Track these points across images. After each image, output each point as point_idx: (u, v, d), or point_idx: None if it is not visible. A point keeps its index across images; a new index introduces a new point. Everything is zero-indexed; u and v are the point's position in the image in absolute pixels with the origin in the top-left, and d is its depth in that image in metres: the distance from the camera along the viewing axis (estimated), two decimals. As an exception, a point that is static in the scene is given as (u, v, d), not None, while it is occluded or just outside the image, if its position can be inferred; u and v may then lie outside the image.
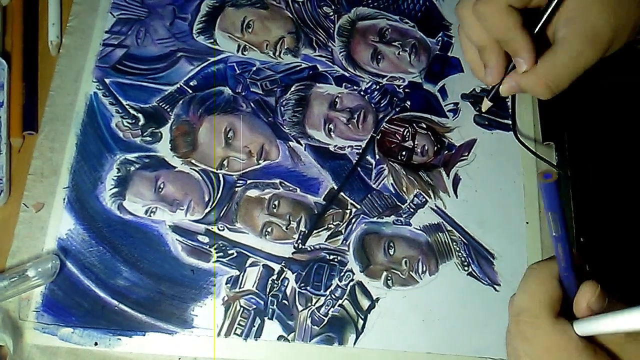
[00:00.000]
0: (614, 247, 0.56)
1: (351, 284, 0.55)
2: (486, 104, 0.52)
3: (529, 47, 0.44)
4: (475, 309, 0.54)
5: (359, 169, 0.59)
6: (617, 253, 0.56)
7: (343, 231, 0.57)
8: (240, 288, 0.54)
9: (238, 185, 0.57)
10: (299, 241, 0.56)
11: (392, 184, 0.58)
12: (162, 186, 0.57)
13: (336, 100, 0.61)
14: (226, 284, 0.54)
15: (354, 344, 0.53)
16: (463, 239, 0.57)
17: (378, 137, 0.60)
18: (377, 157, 0.59)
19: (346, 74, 0.62)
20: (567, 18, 0.43)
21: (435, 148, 0.60)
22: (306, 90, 0.61)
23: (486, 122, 0.61)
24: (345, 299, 0.54)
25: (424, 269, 0.56)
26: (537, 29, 0.45)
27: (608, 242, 0.57)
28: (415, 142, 0.60)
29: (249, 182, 0.58)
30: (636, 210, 0.58)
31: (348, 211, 0.57)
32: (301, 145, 0.59)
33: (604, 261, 0.56)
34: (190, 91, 0.60)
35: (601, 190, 0.58)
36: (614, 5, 0.42)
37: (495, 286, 0.55)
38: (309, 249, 0.56)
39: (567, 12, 0.43)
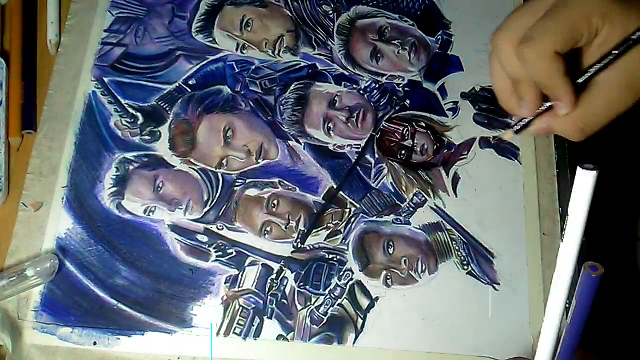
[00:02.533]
0: (614, 247, 0.56)
1: (350, 283, 0.55)
2: (509, 135, 0.49)
3: (572, 93, 0.43)
4: (475, 308, 0.54)
5: (358, 168, 0.59)
6: (616, 252, 0.56)
7: (342, 230, 0.56)
8: (239, 287, 0.54)
9: (237, 184, 0.57)
10: (298, 240, 0.56)
11: (391, 183, 0.58)
12: (161, 185, 0.57)
13: (335, 99, 0.61)
14: (225, 283, 0.54)
15: (354, 343, 0.53)
16: (462, 238, 0.57)
17: (377, 136, 0.60)
18: (377, 156, 0.59)
19: (346, 72, 0.62)
20: None
21: (435, 147, 0.60)
22: (305, 89, 0.61)
23: (486, 121, 0.61)
24: (345, 298, 0.54)
25: (424, 268, 0.56)
26: (581, 80, 0.43)
27: (608, 241, 0.56)
28: (415, 141, 0.60)
29: (248, 181, 0.57)
30: (636, 209, 0.58)
31: (347, 210, 0.57)
32: (300, 144, 0.59)
33: (603, 261, 0.55)
34: (190, 90, 0.60)
35: (601, 189, 0.58)
36: None
37: (494, 285, 0.55)
38: (308, 248, 0.56)
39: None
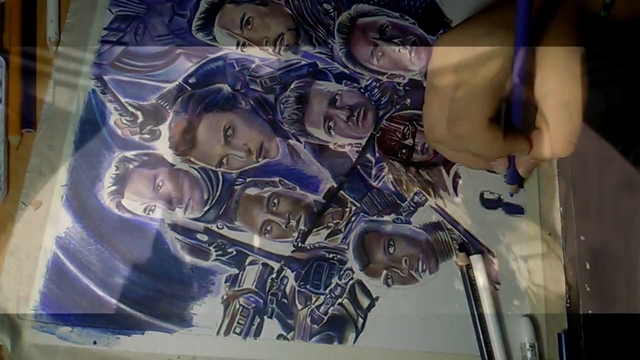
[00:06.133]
0: (614, 246, 0.56)
1: (351, 282, 0.55)
2: (513, 188, 0.57)
3: (523, 142, 0.47)
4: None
5: (358, 167, 0.59)
6: (616, 251, 0.56)
7: (343, 229, 0.56)
8: (239, 286, 0.54)
9: (237, 183, 0.57)
10: (299, 240, 0.56)
11: (392, 182, 0.58)
12: (160, 184, 0.57)
13: (336, 97, 0.61)
14: (225, 282, 0.54)
15: (354, 342, 0.53)
16: (463, 237, 0.56)
17: (378, 135, 0.60)
18: (377, 155, 0.59)
19: (346, 71, 0.62)
20: (546, 91, 0.44)
21: (436, 146, 0.60)
22: (306, 88, 0.61)
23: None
24: (345, 297, 0.54)
25: (424, 267, 0.55)
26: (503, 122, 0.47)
27: (608, 240, 0.56)
28: (416, 140, 0.60)
29: (248, 180, 0.57)
30: (636, 209, 0.58)
31: (348, 209, 0.57)
32: (301, 143, 0.59)
33: (603, 260, 0.55)
34: (189, 88, 0.60)
35: (601, 189, 0.58)
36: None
37: (494, 285, 0.55)
38: (308, 247, 0.55)
39: (541, 87, 0.45)
